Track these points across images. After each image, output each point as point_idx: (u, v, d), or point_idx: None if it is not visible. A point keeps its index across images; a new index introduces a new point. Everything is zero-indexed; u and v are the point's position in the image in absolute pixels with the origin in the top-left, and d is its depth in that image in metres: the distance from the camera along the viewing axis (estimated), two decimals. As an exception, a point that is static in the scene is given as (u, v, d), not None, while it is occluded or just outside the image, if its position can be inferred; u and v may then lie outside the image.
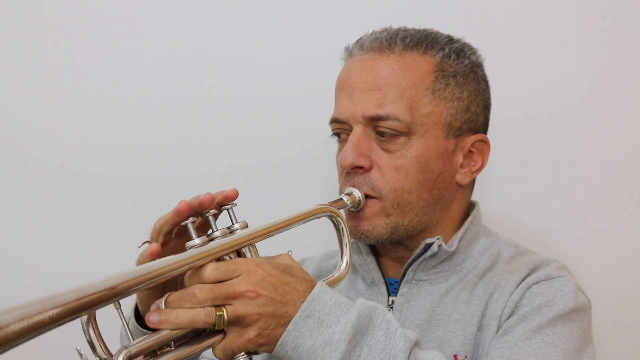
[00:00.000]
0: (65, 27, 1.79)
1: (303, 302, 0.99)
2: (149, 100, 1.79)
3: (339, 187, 1.35)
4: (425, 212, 1.30)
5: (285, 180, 1.79)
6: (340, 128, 1.34)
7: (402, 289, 1.32)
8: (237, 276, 0.99)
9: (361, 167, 1.28)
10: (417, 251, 1.29)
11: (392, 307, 1.32)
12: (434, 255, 1.29)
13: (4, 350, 0.80)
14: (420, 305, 1.30)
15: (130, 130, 1.80)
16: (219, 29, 1.78)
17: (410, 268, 1.31)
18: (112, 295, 0.89)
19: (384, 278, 1.36)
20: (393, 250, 1.35)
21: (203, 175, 1.79)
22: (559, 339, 1.15)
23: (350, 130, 1.31)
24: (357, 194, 1.28)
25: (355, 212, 1.29)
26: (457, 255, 1.31)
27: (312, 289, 1.01)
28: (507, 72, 1.64)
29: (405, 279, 1.32)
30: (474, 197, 1.41)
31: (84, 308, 0.87)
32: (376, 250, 1.38)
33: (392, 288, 1.35)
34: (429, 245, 1.28)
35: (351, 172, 1.29)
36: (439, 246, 1.28)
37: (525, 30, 1.71)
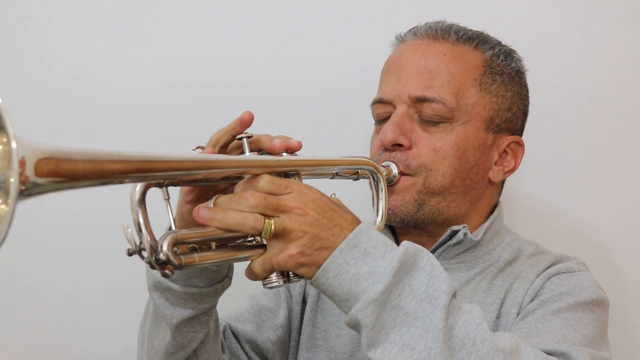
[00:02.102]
0: (62, 27, 1.76)
1: (350, 230, 0.97)
2: (148, 100, 1.77)
3: None
4: (453, 200, 1.31)
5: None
6: (383, 111, 1.35)
7: None
8: (288, 193, 0.98)
9: (401, 146, 1.30)
10: (442, 237, 1.30)
11: None
12: (459, 243, 1.30)
13: (67, 188, 0.78)
14: None
15: (129, 130, 1.76)
16: (217, 29, 1.77)
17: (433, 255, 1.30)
18: (176, 168, 0.89)
19: None
20: (415, 234, 1.35)
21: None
22: (579, 324, 1.15)
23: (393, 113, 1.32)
24: (394, 168, 1.29)
25: (387, 186, 1.29)
26: (480, 248, 1.32)
27: (358, 222, 1.00)
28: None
29: None
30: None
31: (147, 170, 0.87)
32: (396, 232, 1.38)
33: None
34: (455, 233, 1.29)
35: (390, 149, 1.31)
36: (465, 234, 1.29)
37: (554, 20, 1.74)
